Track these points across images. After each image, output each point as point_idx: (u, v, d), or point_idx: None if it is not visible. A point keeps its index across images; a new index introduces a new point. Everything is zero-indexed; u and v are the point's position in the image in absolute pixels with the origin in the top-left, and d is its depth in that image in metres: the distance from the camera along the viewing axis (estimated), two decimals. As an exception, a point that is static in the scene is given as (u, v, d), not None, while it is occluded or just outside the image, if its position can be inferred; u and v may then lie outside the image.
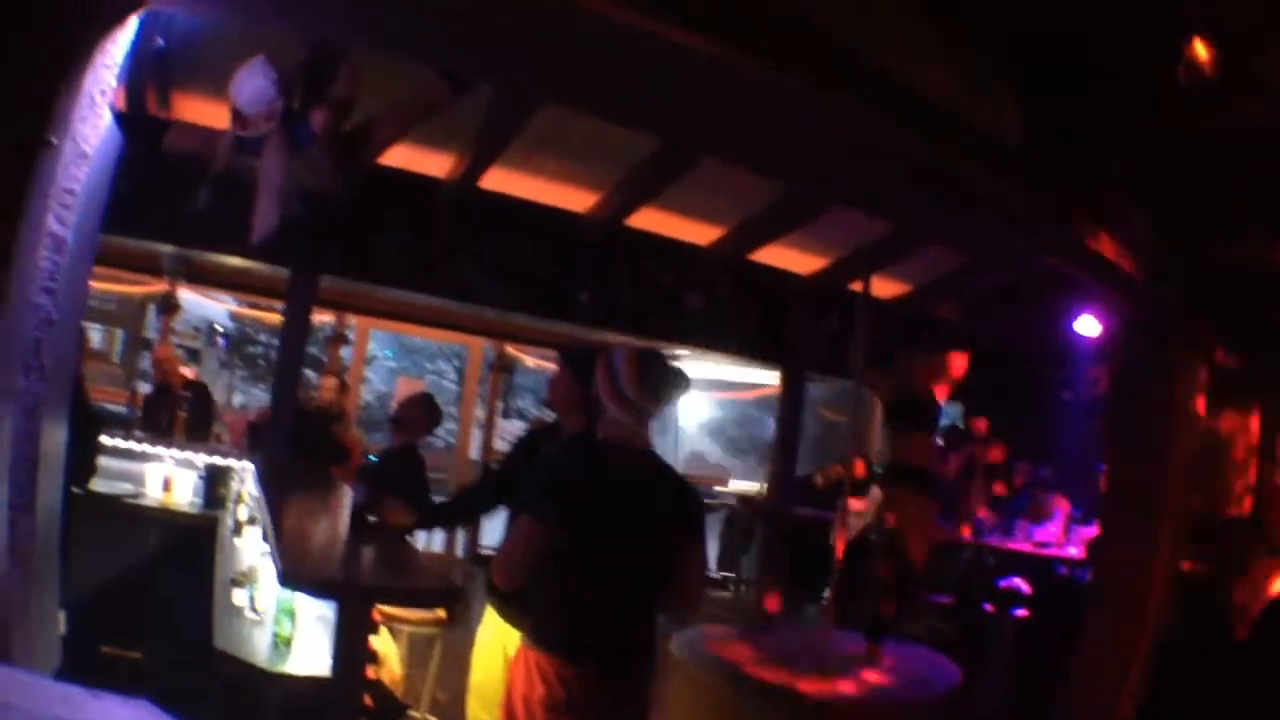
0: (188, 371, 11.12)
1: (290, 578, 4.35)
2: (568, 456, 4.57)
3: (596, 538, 4.17)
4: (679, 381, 4.47)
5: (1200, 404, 6.46)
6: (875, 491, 9.84)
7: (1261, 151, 5.49)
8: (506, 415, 18.13)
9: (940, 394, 7.65)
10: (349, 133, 5.81)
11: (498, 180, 8.87)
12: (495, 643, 5.39)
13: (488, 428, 16.41)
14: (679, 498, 4.47)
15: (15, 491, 3.24)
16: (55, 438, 3.76)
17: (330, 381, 10.50)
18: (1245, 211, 6.06)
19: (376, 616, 5.08)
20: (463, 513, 7.73)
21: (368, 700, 4.71)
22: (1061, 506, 11.17)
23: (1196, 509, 6.66)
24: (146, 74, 6.60)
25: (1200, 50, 4.83)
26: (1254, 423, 6.76)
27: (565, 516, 4.11)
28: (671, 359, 4.46)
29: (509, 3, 3.77)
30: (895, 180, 5.55)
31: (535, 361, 16.74)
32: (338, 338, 14.40)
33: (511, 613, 5.13)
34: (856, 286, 8.74)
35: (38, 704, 1.79)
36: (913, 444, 7.54)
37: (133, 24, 3.54)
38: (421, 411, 8.04)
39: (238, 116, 5.50)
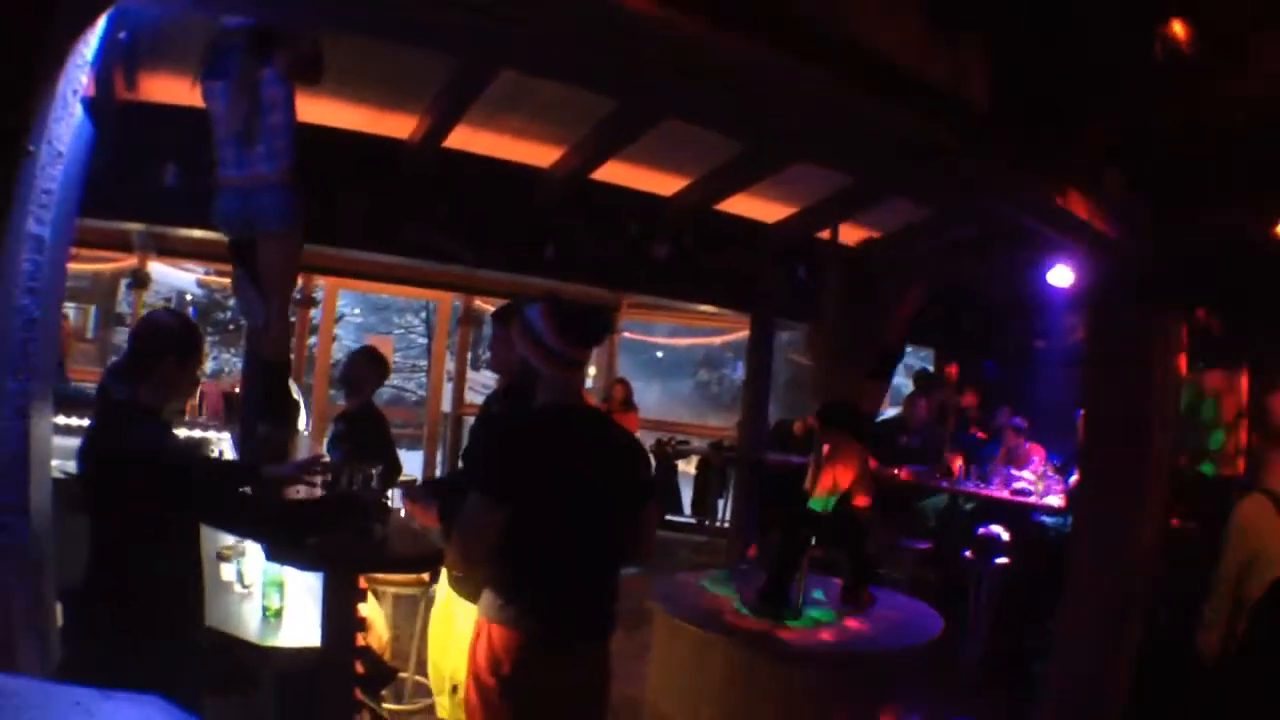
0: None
1: (275, 552, 4.40)
2: (514, 427, 4.41)
3: (558, 509, 4.10)
4: (600, 320, 4.47)
5: (1182, 362, 6.51)
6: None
7: (1249, 122, 5.51)
8: (476, 367, 18.06)
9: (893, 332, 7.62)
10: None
11: (461, 139, 8.89)
12: (446, 611, 5.44)
13: (458, 380, 16.38)
14: (631, 456, 4.47)
15: (9, 493, 3.29)
16: (43, 434, 3.80)
17: None
18: (1230, 181, 6.09)
19: (363, 584, 5.12)
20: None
21: (359, 668, 4.76)
22: (1037, 454, 11.20)
23: (1185, 468, 6.73)
24: (114, 61, 6.59)
25: (1178, 29, 4.84)
26: (1242, 382, 6.80)
27: (522, 491, 4.02)
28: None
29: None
30: (860, 141, 5.58)
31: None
32: (306, 300, 14.36)
33: (468, 589, 5.13)
34: (825, 234, 8.81)
35: (48, 710, 1.84)
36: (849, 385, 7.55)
37: (102, 21, 3.57)
38: (366, 366, 7.89)
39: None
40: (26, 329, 3.32)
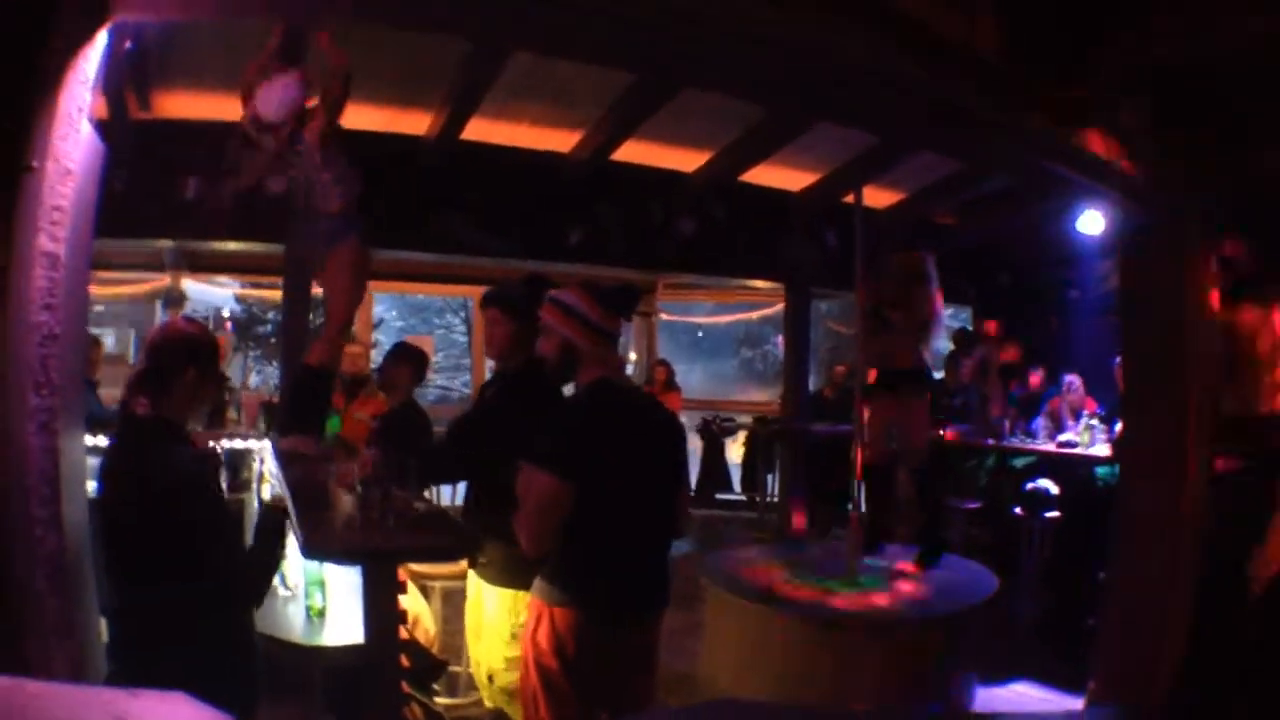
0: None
1: (311, 548, 4.41)
2: (573, 405, 4.44)
3: (619, 484, 4.14)
4: (632, 290, 4.50)
5: (1214, 299, 6.43)
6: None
7: (1270, 54, 5.43)
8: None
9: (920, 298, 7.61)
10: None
11: (478, 131, 8.89)
12: (477, 600, 5.45)
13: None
14: (676, 430, 4.53)
15: (39, 507, 3.31)
16: (75, 451, 3.82)
17: (356, 349, 10.46)
18: (1253, 115, 6.00)
19: (404, 576, 5.13)
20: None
21: (405, 661, 4.77)
22: (1089, 407, 11.07)
23: (1227, 409, 6.67)
24: (123, 80, 6.63)
25: None
26: (1276, 317, 6.70)
27: (587, 468, 4.05)
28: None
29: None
30: (871, 93, 5.54)
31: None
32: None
33: (491, 573, 5.17)
34: (849, 199, 8.78)
35: (76, 712, 1.85)
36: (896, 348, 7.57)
37: (102, 38, 3.58)
38: (401, 365, 7.77)
39: (259, 123, 5.57)
40: (45, 345, 3.34)
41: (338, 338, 5.89)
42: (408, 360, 7.76)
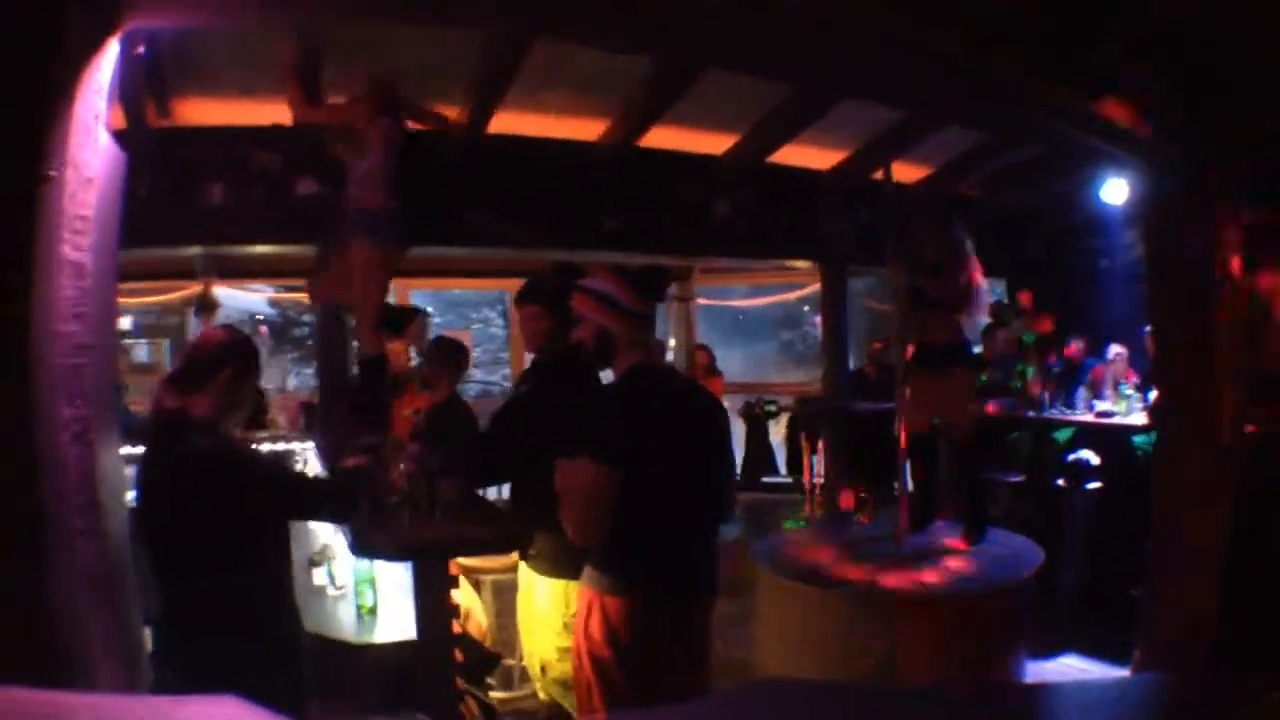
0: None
1: (361, 546, 4.40)
2: (617, 391, 4.43)
3: (666, 470, 4.13)
4: (663, 272, 4.49)
5: (1235, 263, 6.36)
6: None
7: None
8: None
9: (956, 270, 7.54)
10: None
11: (504, 123, 8.85)
12: (528, 592, 5.44)
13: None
14: (719, 413, 4.51)
15: (75, 517, 3.30)
16: (111, 460, 3.81)
17: (397, 346, 10.41)
18: (1271, 77, 5.94)
19: (454, 570, 5.13)
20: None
21: (458, 655, 4.77)
22: (1130, 379, 10.98)
23: (1257, 370, 6.61)
24: (139, 87, 6.62)
25: None
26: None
27: (635, 454, 4.04)
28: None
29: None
30: (895, 66, 5.50)
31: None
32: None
33: (541, 564, 5.19)
34: (879, 175, 8.70)
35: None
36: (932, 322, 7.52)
37: (114, 46, 3.56)
38: (441, 359, 7.86)
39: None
40: (75, 355, 3.34)
41: (370, 330, 6.00)
42: (448, 355, 7.75)
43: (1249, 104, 6.03)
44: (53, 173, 3.15)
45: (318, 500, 4.40)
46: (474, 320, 31.48)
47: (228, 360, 4.09)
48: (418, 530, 4.44)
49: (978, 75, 5.37)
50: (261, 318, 21.15)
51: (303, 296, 16.39)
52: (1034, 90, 5.56)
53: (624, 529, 4.07)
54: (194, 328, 15.53)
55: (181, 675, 3.90)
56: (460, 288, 22.27)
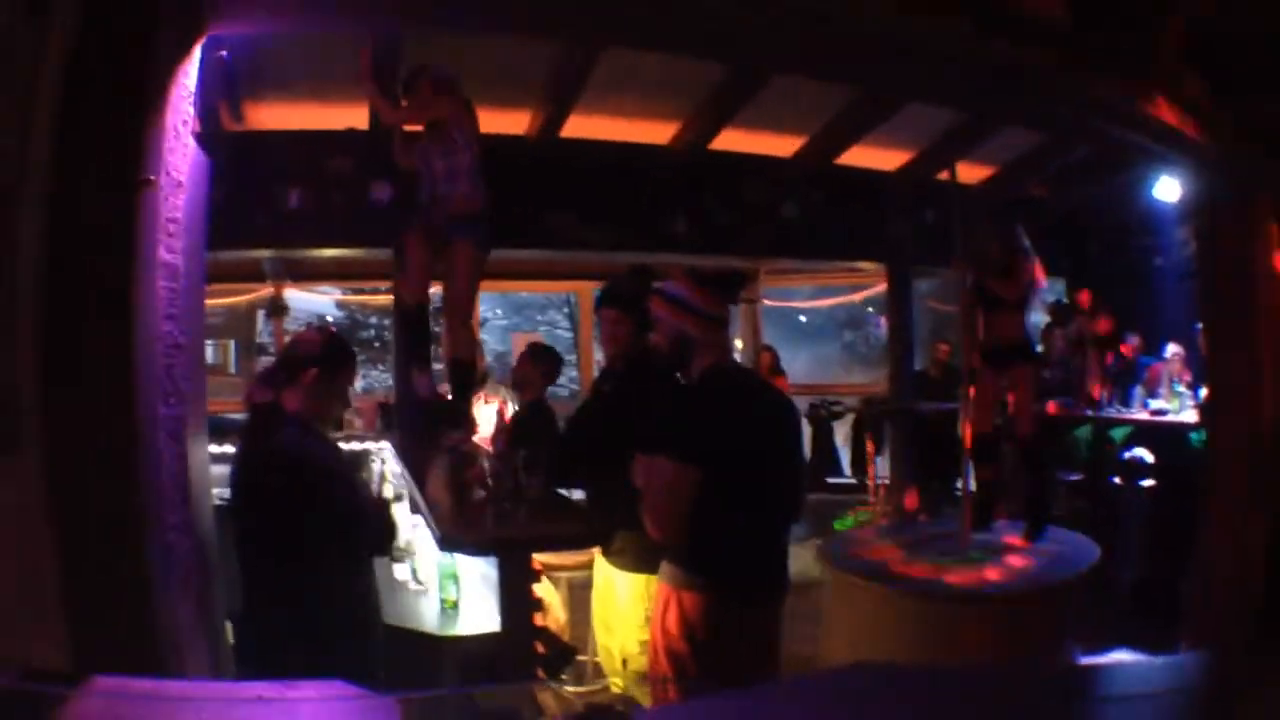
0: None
1: (448, 541, 4.48)
2: (695, 391, 4.45)
3: (741, 467, 4.15)
4: (736, 275, 4.54)
5: (1277, 261, 6.35)
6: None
7: None
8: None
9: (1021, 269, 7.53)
10: None
11: (577, 127, 8.94)
12: (606, 588, 5.52)
13: (608, 367, 16.25)
14: (791, 412, 4.56)
15: (170, 513, 3.39)
16: (201, 459, 3.91)
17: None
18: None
19: (537, 565, 5.20)
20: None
21: (539, 647, 4.83)
22: (1185, 377, 10.94)
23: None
24: (215, 92, 6.76)
25: None
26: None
27: (711, 452, 4.07)
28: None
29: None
30: (944, 71, 5.54)
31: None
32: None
33: (625, 560, 5.26)
34: (944, 176, 8.71)
35: (231, 705, 1.89)
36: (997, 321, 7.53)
37: (198, 52, 3.67)
38: (531, 365, 7.73)
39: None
40: (170, 355, 3.43)
41: (459, 329, 6.13)
42: (541, 360, 7.79)
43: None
44: (151, 177, 3.24)
45: (359, 539, 4.45)
46: (540, 323, 31.53)
47: (319, 359, 4.18)
48: (503, 526, 4.51)
49: (1034, 77, 5.40)
50: (330, 319, 21.35)
51: (369, 299, 16.57)
52: (1088, 89, 5.58)
53: (701, 526, 4.10)
54: (264, 329, 15.72)
55: (262, 667, 3.99)
56: (527, 290, 22.32)
